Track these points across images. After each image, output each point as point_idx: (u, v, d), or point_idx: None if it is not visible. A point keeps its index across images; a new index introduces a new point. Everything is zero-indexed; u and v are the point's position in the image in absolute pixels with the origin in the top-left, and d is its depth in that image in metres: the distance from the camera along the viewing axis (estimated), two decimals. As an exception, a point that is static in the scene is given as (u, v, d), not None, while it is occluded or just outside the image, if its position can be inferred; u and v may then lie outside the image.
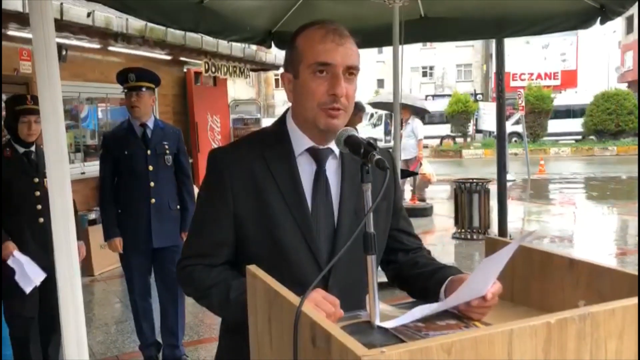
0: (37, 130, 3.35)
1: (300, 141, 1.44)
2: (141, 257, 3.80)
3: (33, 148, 3.45)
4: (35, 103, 3.24)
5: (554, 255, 1.35)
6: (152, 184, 3.73)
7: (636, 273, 1.18)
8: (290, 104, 1.48)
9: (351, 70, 1.38)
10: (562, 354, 0.91)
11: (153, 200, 3.72)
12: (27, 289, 3.28)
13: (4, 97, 5.64)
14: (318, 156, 1.44)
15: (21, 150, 3.43)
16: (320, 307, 1.16)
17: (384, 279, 1.63)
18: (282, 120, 1.49)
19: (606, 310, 0.95)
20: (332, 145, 1.44)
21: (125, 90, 3.77)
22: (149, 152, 3.74)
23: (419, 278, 1.48)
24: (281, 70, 1.54)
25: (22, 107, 3.37)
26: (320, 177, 1.43)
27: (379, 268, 1.55)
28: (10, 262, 3.26)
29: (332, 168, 1.46)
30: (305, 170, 1.43)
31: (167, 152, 3.81)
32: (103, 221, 3.81)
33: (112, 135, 3.91)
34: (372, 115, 28.75)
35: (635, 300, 0.98)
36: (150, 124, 3.81)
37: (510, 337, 0.87)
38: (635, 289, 1.12)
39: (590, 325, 0.93)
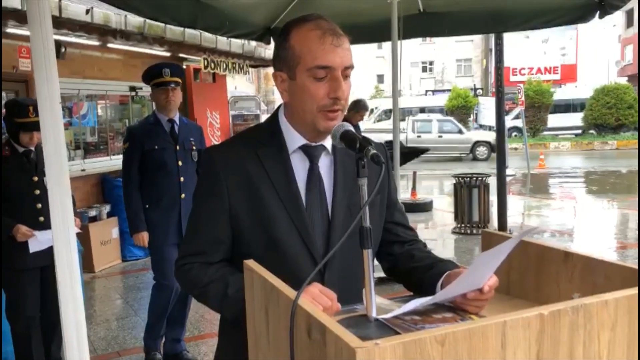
0: (38, 138, 3.34)
1: (294, 138, 1.45)
2: (174, 249, 3.77)
3: (32, 147, 3.45)
4: (37, 114, 3.23)
5: (549, 249, 1.36)
6: (182, 179, 3.75)
7: (634, 266, 1.19)
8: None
9: (347, 70, 1.39)
10: (555, 346, 0.92)
11: (183, 195, 3.74)
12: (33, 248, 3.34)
13: (3, 95, 5.67)
14: (311, 153, 1.45)
15: (21, 149, 3.42)
16: (317, 300, 1.17)
17: (383, 274, 1.64)
18: (274, 117, 1.50)
19: (599, 302, 0.95)
20: (324, 141, 1.45)
21: (154, 86, 3.76)
22: (177, 147, 3.77)
23: (415, 271, 1.49)
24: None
25: (24, 121, 3.35)
26: (313, 173, 1.44)
27: (377, 262, 1.57)
28: (33, 243, 3.32)
29: (325, 164, 1.47)
30: (299, 167, 1.44)
31: (194, 147, 3.85)
32: (128, 214, 3.79)
33: (140, 129, 3.88)
34: (372, 111, 28.71)
35: (628, 292, 0.99)
36: (177, 119, 3.84)
37: (503, 328, 0.88)
38: (629, 281, 1.13)
39: (583, 316, 0.94)
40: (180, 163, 3.76)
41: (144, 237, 3.72)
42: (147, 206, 3.74)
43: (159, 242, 3.75)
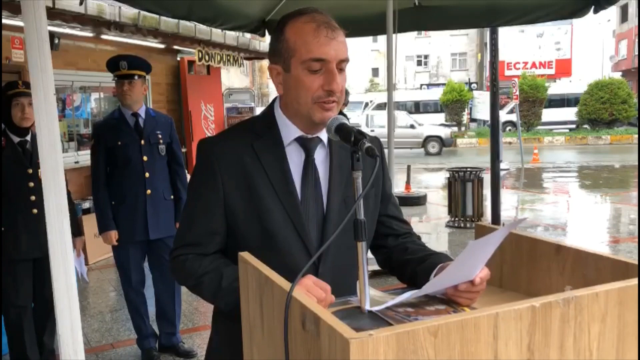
0: (30, 114, 3.32)
1: (289, 131, 1.45)
2: (137, 249, 3.77)
3: (28, 137, 3.43)
4: (28, 88, 3.23)
5: (542, 242, 1.37)
6: (147, 174, 3.69)
7: (624, 258, 1.20)
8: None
9: (342, 63, 1.39)
10: (546, 337, 0.93)
11: (149, 191, 3.69)
12: None
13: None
14: (307, 145, 1.45)
15: (16, 140, 3.41)
16: (311, 292, 1.17)
17: (377, 267, 1.65)
18: (270, 109, 1.50)
19: (590, 294, 0.96)
20: (320, 133, 1.45)
21: (116, 79, 3.70)
22: (142, 142, 3.69)
23: (409, 264, 1.50)
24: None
25: (13, 91, 3.34)
26: (309, 165, 1.44)
27: (371, 254, 1.57)
28: None
29: (320, 157, 1.47)
30: (294, 159, 1.44)
31: (161, 141, 3.77)
32: (97, 213, 3.74)
33: (104, 125, 3.81)
34: (367, 104, 28.69)
35: (618, 284, 1.00)
36: (142, 112, 3.75)
37: (495, 320, 0.89)
38: (619, 273, 1.15)
39: (574, 308, 0.95)
40: (145, 158, 3.69)
41: (112, 235, 3.67)
42: (113, 203, 3.69)
43: (124, 240, 3.70)
